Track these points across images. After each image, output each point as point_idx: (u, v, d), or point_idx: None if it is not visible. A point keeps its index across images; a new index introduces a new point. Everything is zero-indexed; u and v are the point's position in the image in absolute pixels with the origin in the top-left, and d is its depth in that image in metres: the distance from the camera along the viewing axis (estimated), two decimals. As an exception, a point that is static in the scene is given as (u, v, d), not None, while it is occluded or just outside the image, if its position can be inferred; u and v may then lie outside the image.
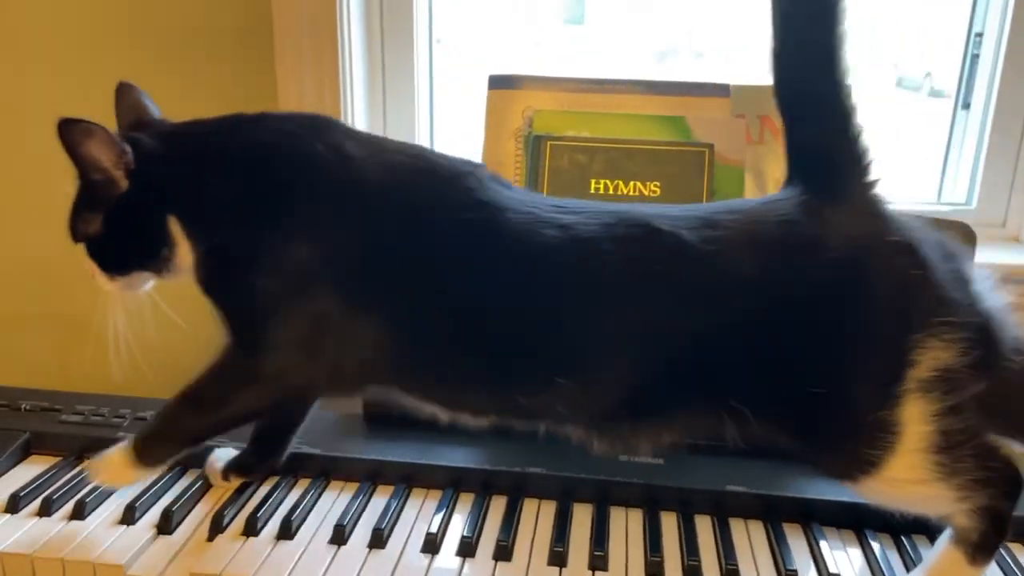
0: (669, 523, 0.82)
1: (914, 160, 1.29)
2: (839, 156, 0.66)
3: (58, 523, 0.80)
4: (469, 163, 0.75)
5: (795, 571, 0.74)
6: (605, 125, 0.99)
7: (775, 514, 0.82)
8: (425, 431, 0.82)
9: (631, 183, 0.96)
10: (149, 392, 0.96)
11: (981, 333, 0.63)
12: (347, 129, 0.76)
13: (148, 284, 0.81)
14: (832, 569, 0.74)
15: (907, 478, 0.64)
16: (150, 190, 0.74)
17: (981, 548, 0.65)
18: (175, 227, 0.75)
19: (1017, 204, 1.16)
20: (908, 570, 0.74)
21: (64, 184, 0.77)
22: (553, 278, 0.68)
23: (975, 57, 1.18)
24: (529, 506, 0.84)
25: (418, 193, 0.72)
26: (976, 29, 1.17)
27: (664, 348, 0.67)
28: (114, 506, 0.82)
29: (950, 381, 0.62)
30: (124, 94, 0.80)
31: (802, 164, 0.68)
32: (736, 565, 0.75)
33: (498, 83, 1.02)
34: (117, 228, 0.75)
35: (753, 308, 0.64)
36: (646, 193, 0.96)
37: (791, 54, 0.66)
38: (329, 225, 0.71)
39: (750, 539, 0.80)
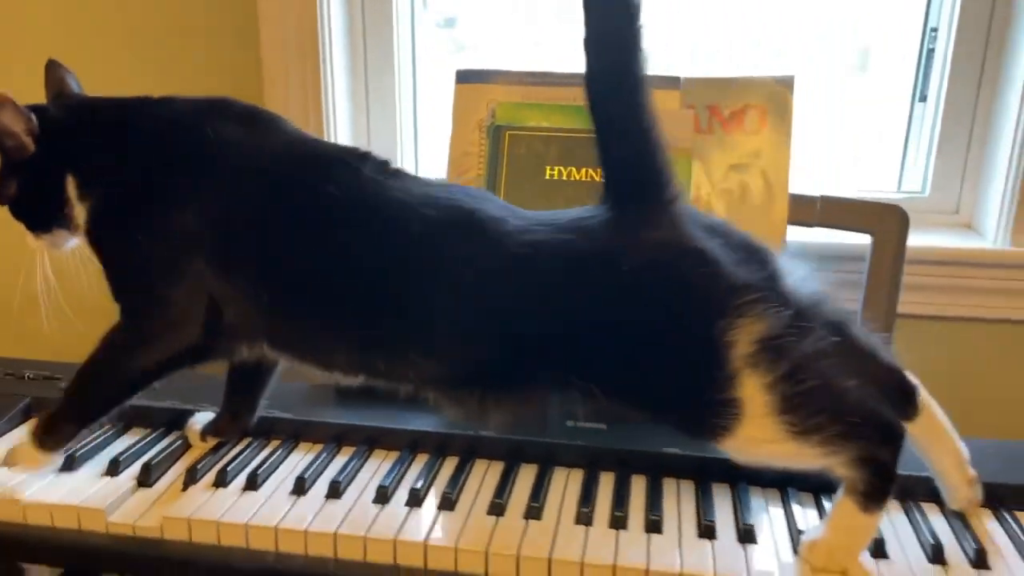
0: (606, 481, 0.88)
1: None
2: (640, 174, 0.73)
3: (49, 475, 0.88)
4: (354, 152, 0.82)
5: (713, 522, 0.80)
6: (562, 116, 1.05)
7: (706, 474, 0.88)
8: (389, 400, 0.88)
9: (583, 170, 1.03)
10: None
11: (786, 299, 0.70)
12: (245, 114, 0.84)
13: (71, 242, 0.89)
14: (748, 521, 0.80)
15: (762, 438, 0.69)
16: (51, 152, 0.83)
17: (870, 496, 0.70)
18: (71, 186, 0.84)
19: (968, 192, 1.20)
20: (824, 526, 0.80)
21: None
22: (402, 261, 0.76)
23: (931, 52, 1.23)
24: (479, 466, 0.91)
25: (290, 174, 0.80)
26: (931, 24, 1.22)
27: (493, 334, 0.74)
28: (102, 461, 0.91)
29: (774, 349, 0.68)
30: (50, 71, 0.90)
31: (610, 181, 0.75)
32: (660, 516, 0.81)
33: (464, 78, 1.09)
34: (28, 188, 0.85)
35: (567, 308, 0.72)
36: (597, 179, 1.02)
37: (598, 76, 0.72)
38: (203, 199, 0.79)
39: (679, 495, 0.86)
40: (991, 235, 1.15)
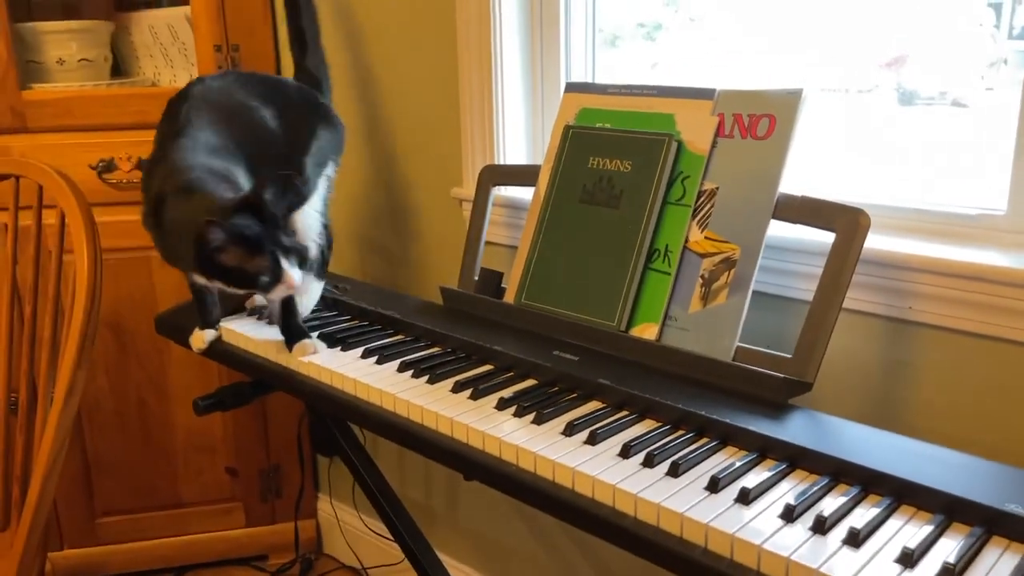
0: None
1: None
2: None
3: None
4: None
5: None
6: (621, 119, 1.32)
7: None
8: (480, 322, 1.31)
9: (614, 161, 1.29)
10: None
11: None
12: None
13: None
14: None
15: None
16: None
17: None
18: None
19: (1049, 212, 1.14)
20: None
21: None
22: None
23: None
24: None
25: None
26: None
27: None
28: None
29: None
30: None
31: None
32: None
33: (571, 88, 1.42)
34: None
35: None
36: (622, 169, 1.28)
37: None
38: None
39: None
40: (1045, 256, 1.09)
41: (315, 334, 1.40)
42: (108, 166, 1.95)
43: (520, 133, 1.67)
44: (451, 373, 1.23)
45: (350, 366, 1.27)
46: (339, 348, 1.35)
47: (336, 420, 1.67)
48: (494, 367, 1.26)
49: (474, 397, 1.16)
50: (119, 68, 2.23)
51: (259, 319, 1.51)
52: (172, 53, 2.14)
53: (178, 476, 2.19)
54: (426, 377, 1.22)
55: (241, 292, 1.28)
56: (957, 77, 1.28)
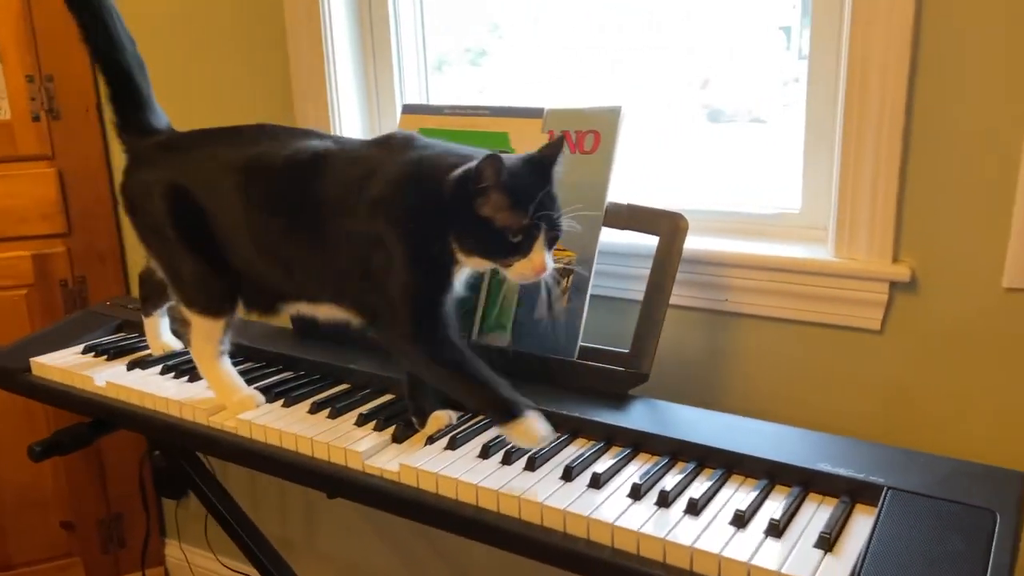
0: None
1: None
2: None
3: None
4: None
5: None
6: (461, 138, 1.38)
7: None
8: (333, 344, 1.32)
9: (454, 179, 1.35)
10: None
11: None
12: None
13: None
14: (459, 436, 1.08)
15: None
16: None
17: None
18: None
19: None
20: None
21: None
22: None
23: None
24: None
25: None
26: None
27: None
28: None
29: None
30: None
31: None
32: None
33: (407, 110, 1.47)
34: None
35: None
36: (462, 186, 1.34)
37: None
38: None
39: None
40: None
41: (159, 367, 1.36)
42: (-93, 206, 1.80)
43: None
44: (307, 395, 1.24)
45: (199, 396, 1.25)
46: (186, 379, 1.32)
47: (185, 453, 1.62)
48: (351, 385, 1.28)
49: (333, 416, 1.17)
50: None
51: (96, 356, 1.45)
52: (-23, 84, 2.00)
53: (6, 535, 2.03)
54: (281, 401, 1.22)
55: (480, 267, 1.08)
56: (756, 96, 1.44)
